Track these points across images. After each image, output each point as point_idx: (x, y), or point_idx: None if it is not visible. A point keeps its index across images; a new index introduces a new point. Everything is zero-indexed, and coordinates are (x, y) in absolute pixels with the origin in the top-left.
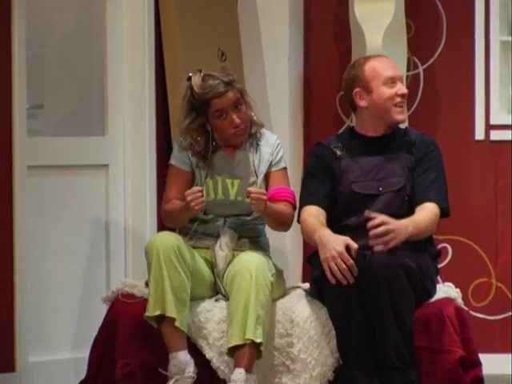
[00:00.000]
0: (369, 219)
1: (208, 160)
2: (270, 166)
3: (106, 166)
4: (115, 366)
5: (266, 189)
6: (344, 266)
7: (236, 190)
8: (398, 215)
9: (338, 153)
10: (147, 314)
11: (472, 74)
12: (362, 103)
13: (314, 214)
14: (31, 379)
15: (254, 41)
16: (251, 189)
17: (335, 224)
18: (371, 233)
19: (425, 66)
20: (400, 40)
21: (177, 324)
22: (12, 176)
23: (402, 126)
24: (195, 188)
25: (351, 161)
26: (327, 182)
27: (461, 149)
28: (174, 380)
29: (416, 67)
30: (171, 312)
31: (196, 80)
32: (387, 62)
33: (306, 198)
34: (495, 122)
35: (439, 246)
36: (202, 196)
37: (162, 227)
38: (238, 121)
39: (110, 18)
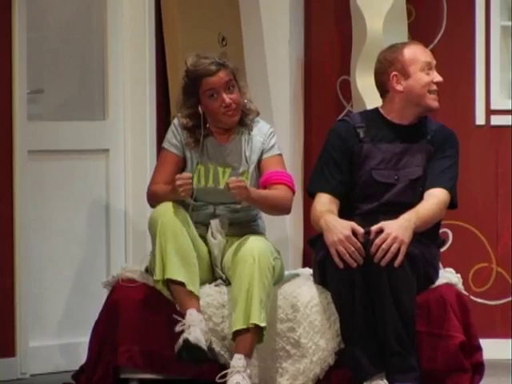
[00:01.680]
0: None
1: (200, 145)
2: (262, 153)
3: (106, 150)
4: (117, 352)
5: (260, 176)
6: (352, 248)
7: (227, 179)
8: (409, 204)
9: (361, 135)
10: (155, 277)
11: (472, 59)
12: (398, 87)
13: (326, 204)
14: (31, 364)
15: (254, 25)
16: (229, 180)
17: (349, 208)
18: (376, 258)
19: None
20: (400, 25)
21: (189, 288)
22: (12, 160)
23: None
24: (186, 174)
25: (373, 146)
26: (345, 166)
27: (461, 134)
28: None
29: None
30: (179, 275)
31: (190, 59)
32: (424, 49)
33: (320, 184)
34: (495, 107)
35: (440, 231)
36: (191, 184)
37: None
38: (228, 100)
39: (110, 2)
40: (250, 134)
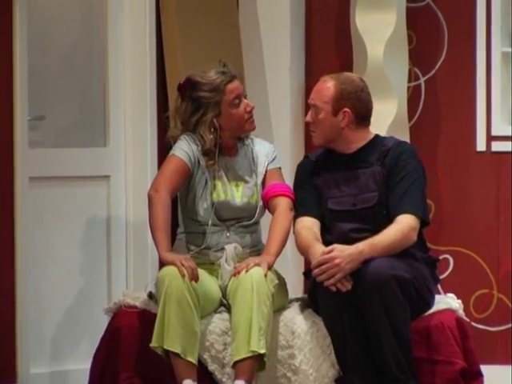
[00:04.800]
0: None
1: (216, 161)
2: (267, 165)
3: (107, 177)
4: (118, 379)
5: (262, 189)
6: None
7: (241, 193)
8: (372, 231)
9: (318, 168)
10: (152, 344)
11: (473, 85)
12: None
13: (308, 226)
14: None
15: (255, 51)
16: (239, 268)
17: (323, 237)
18: (313, 273)
19: (426, 78)
20: (401, 51)
21: (187, 358)
22: (13, 187)
23: (386, 134)
24: (194, 266)
25: (328, 176)
26: (315, 193)
27: (462, 160)
28: None
29: (417, 78)
30: (177, 346)
31: (200, 74)
32: (316, 88)
33: (298, 210)
34: (496, 133)
35: (441, 257)
36: (194, 278)
37: None
38: (252, 104)
39: (111, 29)
40: (251, 147)
